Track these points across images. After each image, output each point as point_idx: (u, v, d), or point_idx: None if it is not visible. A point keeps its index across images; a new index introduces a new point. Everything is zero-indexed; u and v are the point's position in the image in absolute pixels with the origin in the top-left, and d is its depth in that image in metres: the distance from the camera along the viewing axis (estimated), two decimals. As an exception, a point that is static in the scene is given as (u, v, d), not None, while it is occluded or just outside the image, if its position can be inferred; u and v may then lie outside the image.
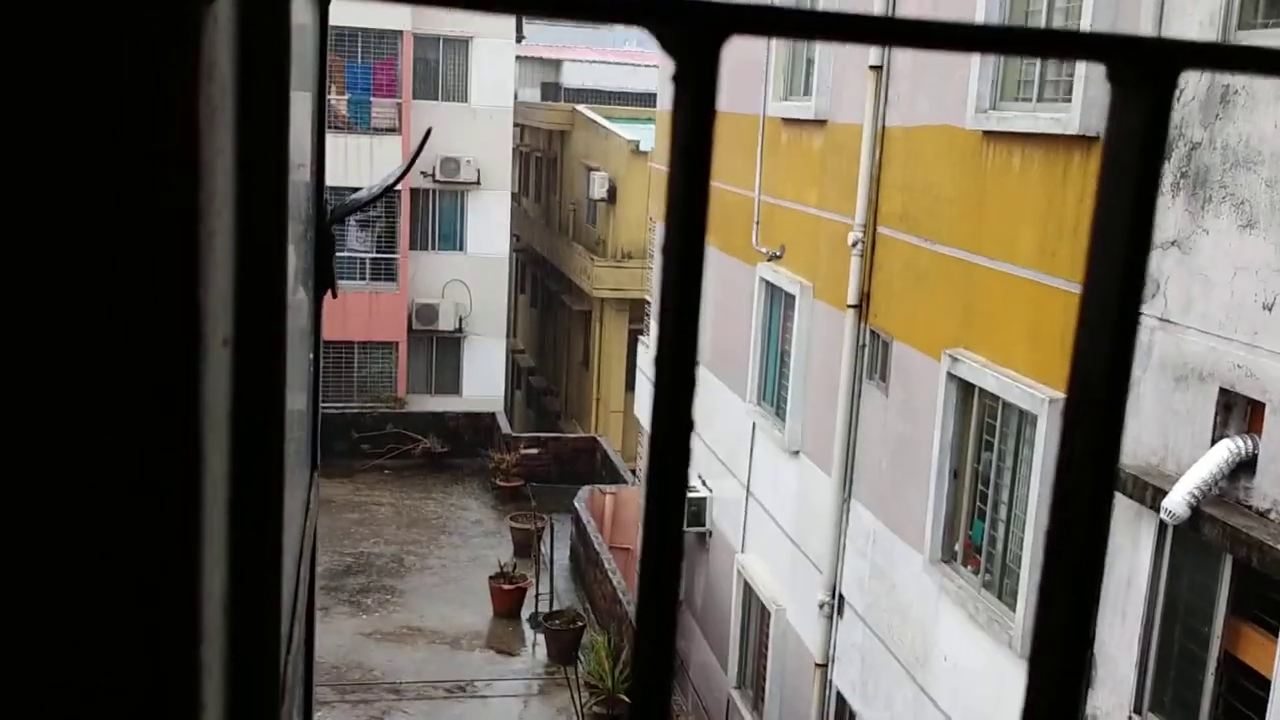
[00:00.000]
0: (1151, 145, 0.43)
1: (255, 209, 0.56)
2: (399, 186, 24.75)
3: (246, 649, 0.72)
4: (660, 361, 0.42)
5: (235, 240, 0.54)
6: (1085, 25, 7.40)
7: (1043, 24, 8.18)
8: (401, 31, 25.20)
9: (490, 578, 17.50)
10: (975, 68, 8.67)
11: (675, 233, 0.43)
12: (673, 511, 0.45)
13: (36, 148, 0.44)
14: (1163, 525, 6.50)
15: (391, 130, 25.34)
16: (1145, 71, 0.43)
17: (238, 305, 0.54)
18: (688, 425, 0.42)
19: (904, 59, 10.08)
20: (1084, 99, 7.36)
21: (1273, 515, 5.87)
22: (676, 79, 0.41)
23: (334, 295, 1.78)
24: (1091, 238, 0.44)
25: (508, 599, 17.24)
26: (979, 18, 8.64)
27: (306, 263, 1.42)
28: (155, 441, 0.49)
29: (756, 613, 13.17)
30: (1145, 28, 6.86)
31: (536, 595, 17.13)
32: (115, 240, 0.45)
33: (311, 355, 1.58)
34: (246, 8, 0.54)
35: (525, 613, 17.28)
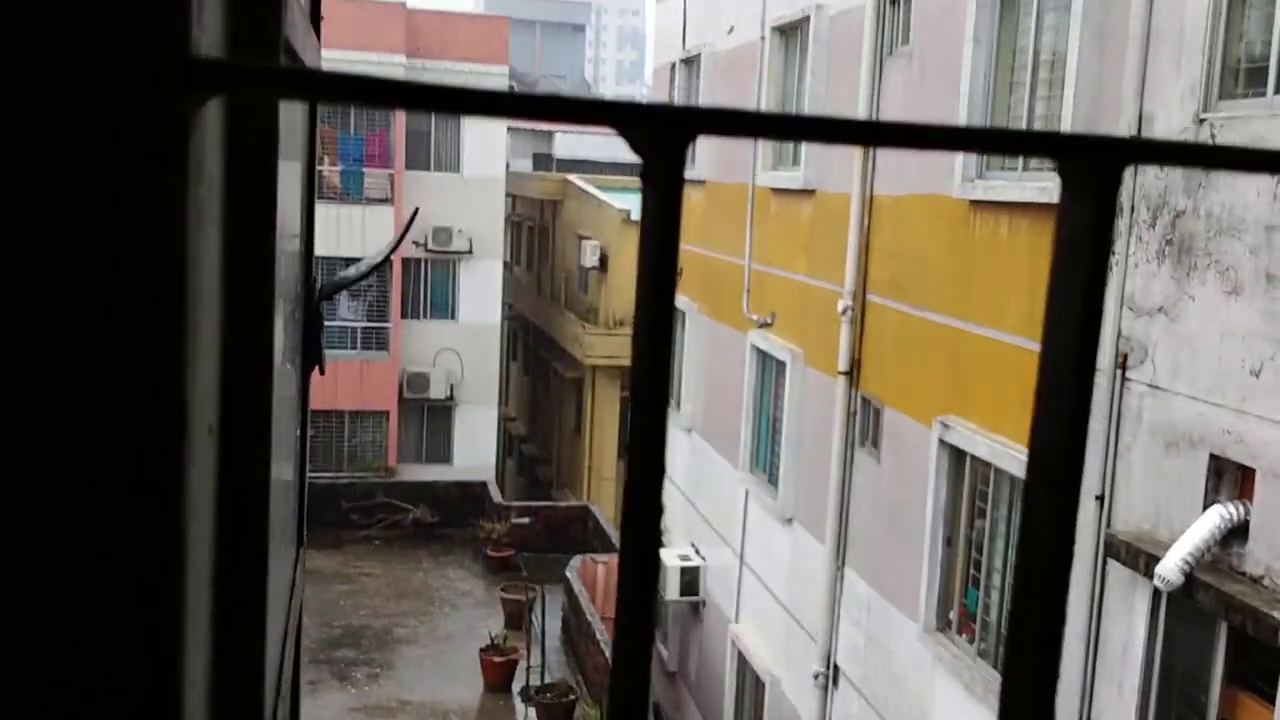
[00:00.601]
0: (1099, 236, 0.45)
1: (242, 300, 0.58)
2: (390, 257, 24.88)
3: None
4: (633, 451, 0.43)
5: (221, 331, 0.55)
6: (1068, 96, 7.53)
7: (1026, 92, 8.32)
8: (395, 104, 25.50)
9: (481, 650, 17.27)
10: (960, 138, 8.80)
11: (644, 317, 0.44)
12: (646, 591, 0.46)
13: (23, 243, 0.45)
14: (1157, 593, 6.47)
15: (384, 200, 25.54)
16: (1092, 167, 0.45)
17: (223, 392, 0.55)
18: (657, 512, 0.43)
19: (890, 130, 10.23)
20: (1067, 168, 7.47)
21: (1266, 582, 5.85)
22: (644, 176, 0.43)
23: (321, 372, 1.79)
24: (1045, 323, 0.46)
25: (499, 671, 17.01)
26: (964, 89, 8.80)
27: (295, 340, 1.43)
28: (137, 529, 0.50)
29: (751, 684, 13.01)
30: (1128, 99, 6.99)
31: (528, 667, 16.90)
32: (97, 334, 0.46)
33: (299, 432, 1.59)
34: (235, 112, 0.56)
35: (516, 685, 17.03)
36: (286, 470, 1.32)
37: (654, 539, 0.45)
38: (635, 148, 0.43)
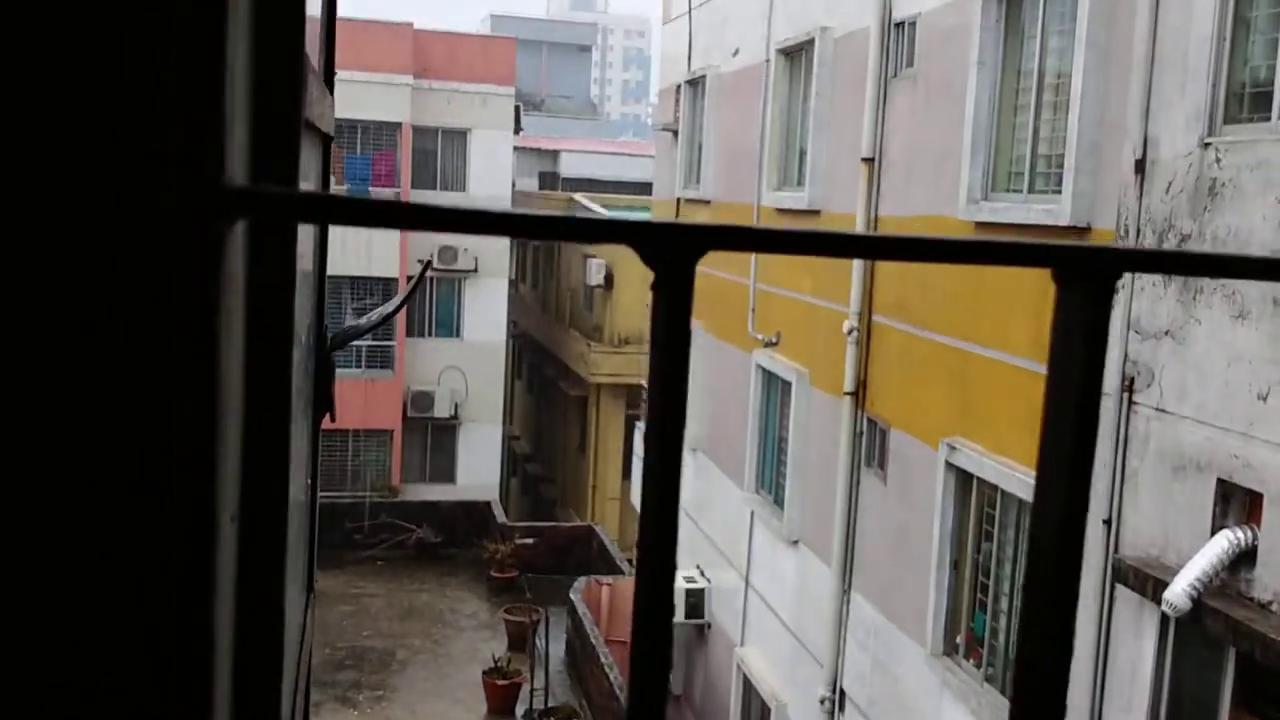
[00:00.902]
0: (1095, 338, 0.46)
1: (261, 397, 0.59)
2: (395, 275, 24.98)
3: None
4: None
5: (243, 423, 0.56)
6: (1073, 119, 7.55)
7: (1031, 115, 8.35)
8: (400, 123, 25.66)
9: (484, 673, 17.22)
10: (967, 159, 8.83)
11: (656, 424, 0.46)
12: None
13: (59, 364, 0.47)
14: (1165, 618, 6.45)
15: (390, 220, 25.61)
16: (1087, 275, 0.47)
17: (244, 486, 0.57)
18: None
19: (897, 150, 10.27)
20: (1074, 191, 7.49)
21: (1274, 607, 5.83)
22: (655, 287, 0.45)
23: (333, 419, 1.82)
24: (1044, 424, 0.47)
25: (502, 695, 16.95)
26: (968, 112, 8.83)
27: (307, 391, 1.45)
28: (169, 615, 0.51)
29: (757, 709, 12.96)
30: (1132, 123, 7.00)
31: (531, 691, 16.85)
32: (137, 442, 0.48)
33: (308, 481, 1.61)
34: (258, 229, 0.57)
35: (520, 709, 16.98)
36: (298, 522, 1.34)
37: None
38: (648, 261, 0.44)
